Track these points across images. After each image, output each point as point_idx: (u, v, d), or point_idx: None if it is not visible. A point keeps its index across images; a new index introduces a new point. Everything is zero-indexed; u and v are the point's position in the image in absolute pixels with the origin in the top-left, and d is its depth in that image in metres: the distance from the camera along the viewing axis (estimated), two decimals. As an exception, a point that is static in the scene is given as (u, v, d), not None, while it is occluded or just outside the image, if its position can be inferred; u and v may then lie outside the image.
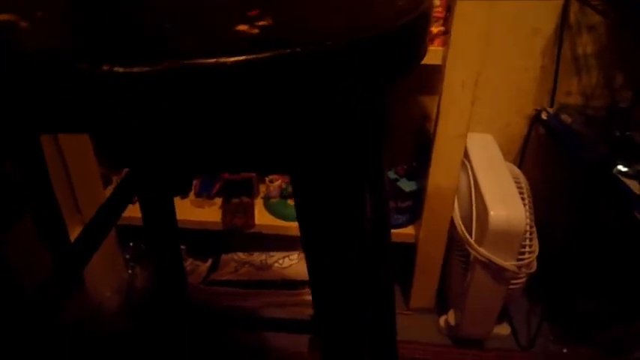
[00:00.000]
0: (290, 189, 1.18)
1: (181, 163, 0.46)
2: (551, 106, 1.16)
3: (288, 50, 0.25)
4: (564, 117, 1.09)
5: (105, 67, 0.23)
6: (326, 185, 0.36)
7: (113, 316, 1.21)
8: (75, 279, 0.69)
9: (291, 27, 0.30)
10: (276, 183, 1.17)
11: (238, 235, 1.17)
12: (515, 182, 1.02)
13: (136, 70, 0.24)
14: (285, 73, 0.26)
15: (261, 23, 0.30)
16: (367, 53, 0.29)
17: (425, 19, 0.34)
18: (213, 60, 0.24)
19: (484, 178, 0.99)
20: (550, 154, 1.20)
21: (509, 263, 0.94)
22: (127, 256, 1.25)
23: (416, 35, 0.33)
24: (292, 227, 1.13)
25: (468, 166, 1.02)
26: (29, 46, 0.28)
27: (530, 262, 0.97)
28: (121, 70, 0.23)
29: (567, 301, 1.20)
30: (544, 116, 1.13)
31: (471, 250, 0.96)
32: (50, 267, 0.82)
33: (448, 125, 0.92)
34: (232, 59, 0.25)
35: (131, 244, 1.26)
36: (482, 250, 0.94)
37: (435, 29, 0.88)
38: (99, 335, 1.15)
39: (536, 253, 0.98)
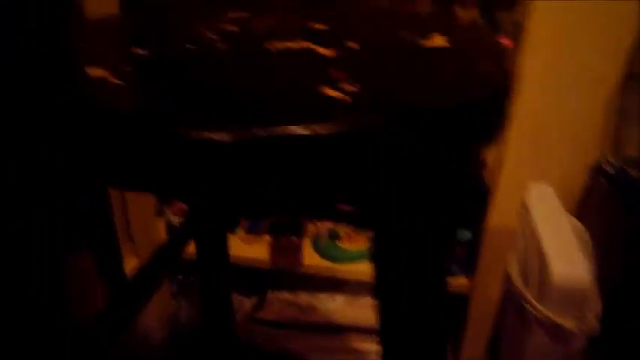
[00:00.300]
0: (338, 229, 1.17)
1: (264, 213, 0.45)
2: (614, 157, 1.11)
3: (389, 121, 0.25)
4: (629, 169, 1.04)
5: (200, 134, 0.24)
6: (411, 243, 0.35)
7: (157, 347, 1.21)
8: (132, 318, 0.70)
9: (379, 93, 0.30)
10: (326, 223, 1.16)
11: (285, 274, 1.16)
12: (577, 237, 0.97)
13: (230, 137, 0.24)
14: (384, 141, 0.25)
15: (348, 88, 0.30)
16: (459, 121, 0.28)
17: (509, 85, 0.33)
18: (310, 130, 0.24)
19: (545, 230, 0.95)
20: (611, 206, 1.14)
21: (571, 324, 0.89)
22: (175, 289, 1.26)
23: (502, 104, 0.32)
24: (339, 269, 1.11)
25: (527, 218, 0.98)
26: (124, 106, 0.29)
27: (593, 323, 0.92)
28: (216, 137, 0.23)
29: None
30: (606, 168, 1.08)
31: (528, 307, 0.92)
32: (102, 297, 0.84)
33: (508, 175, 0.90)
34: (328, 130, 0.24)
35: (180, 277, 1.27)
36: (540, 307, 0.89)
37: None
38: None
39: (599, 313, 0.93)
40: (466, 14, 0.93)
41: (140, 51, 0.37)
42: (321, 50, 0.38)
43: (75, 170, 0.28)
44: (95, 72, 0.32)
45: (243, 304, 1.24)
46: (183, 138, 0.24)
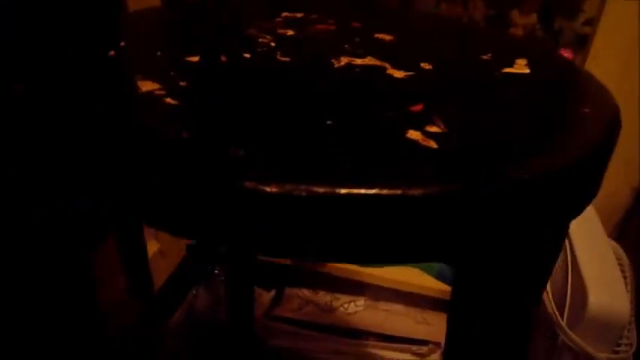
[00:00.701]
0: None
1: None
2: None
3: (485, 184, 0.21)
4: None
5: (276, 188, 0.20)
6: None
7: (173, 334, 1.20)
8: (160, 328, 0.68)
9: (468, 140, 0.26)
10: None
11: (306, 269, 1.13)
12: (617, 261, 0.93)
13: (304, 193, 0.20)
14: (476, 204, 0.22)
15: (432, 129, 0.26)
16: (562, 185, 0.24)
17: (616, 131, 0.29)
18: (400, 191, 0.20)
19: (584, 255, 0.90)
20: (654, 231, 1.09)
21: (603, 355, 0.85)
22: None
23: (608, 154, 0.28)
24: (362, 272, 1.08)
25: (567, 241, 0.94)
26: (177, 135, 0.25)
27: (627, 357, 0.88)
28: (298, 193, 0.20)
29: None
30: (654, 192, 1.03)
31: (560, 334, 0.88)
32: (124, 290, 0.82)
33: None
34: (419, 192, 0.21)
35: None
36: (574, 336, 0.85)
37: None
38: (158, 351, 1.15)
39: (635, 347, 0.88)
40: (523, 20, 0.87)
41: (191, 59, 0.34)
42: (393, 71, 0.34)
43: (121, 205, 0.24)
44: (145, 85, 0.29)
45: (262, 297, 1.21)
46: (257, 190, 0.20)
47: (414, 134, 0.25)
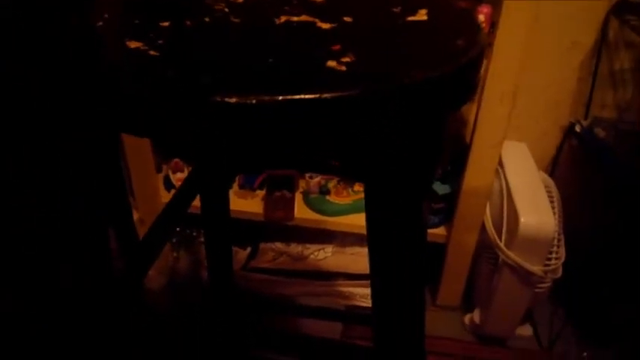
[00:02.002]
0: (328, 185, 1.25)
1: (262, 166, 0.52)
2: (586, 118, 1.20)
3: (374, 88, 0.32)
4: (597, 130, 1.13)
5: (234, 99, 0.30)
6: (396, 195, 0.42)
7: (157, 295, 1.30)
8: (144, 272, 0.77)
9: (370, 64, 0.37)
10: (316, 179, 1.24)
11: (277, 226, 1.24)
12: (547, 191, 1.06)
13: (254, 101, 0.31)
14: (371, 106, 0.33)
15: (345, 59, 0.37)
16: (436, 89, 0.35)
17: (481, 56, 0.40)
18: (317, 95, 0.31)
19: (517, 185, 1.04)
20: (582, 165, 1.23)
21: (536, 268, 0.99)
22: (174, 240, 1.34)
23: (475, 71, 0.39)
24: (329, 221, 1.19)
25: (502, 173, 1.07)
26: (163, 75, 0.35)
27: (557, 268, 1.02)
28: (250, 101, 0.30)
29: (590, 307, 1.24)
30: (578, 129, 1.17)
31: (500, 254, 1.01)
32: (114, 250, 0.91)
33: (485, 134, 0.97)
34: (331, 95, 0.31)
35: (177, 228, 1.35)
36: (511, 254, 0.99)
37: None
38: (142, 310, 1.25)
39: (563, 259, 1.03)
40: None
41: (165, 24, 0.43)
42: (321, 24, 0.44)
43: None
44: (132, 44, 0.38)
45: (238, 254, 1.32)
46: (219, 103, 0.30)
47: (331, 63, 0.36)
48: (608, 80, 1.18)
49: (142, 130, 0.35)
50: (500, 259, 1.02)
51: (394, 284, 0.52)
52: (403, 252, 0.50)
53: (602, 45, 1.14)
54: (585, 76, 1.19)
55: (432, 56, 0.39)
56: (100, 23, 0.43)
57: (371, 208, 0.44)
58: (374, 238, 0.46)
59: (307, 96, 0.31)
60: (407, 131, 0.36)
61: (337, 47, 0.39)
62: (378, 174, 0.43)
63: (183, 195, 0.84)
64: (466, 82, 0.39)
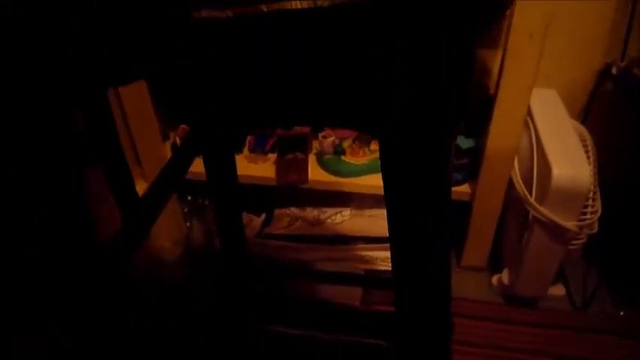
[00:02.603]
0: (343, 144, 1.18)
1: (261, 118, 0.46)
2: (622, 60, 1.09)
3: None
4: (636, 71, 1.02)
5: (207, 13, 0.24)
6: (415, 141, 0.35)
7: (172, 265, 1.27)
8: (145, 233, 0.73)
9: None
10: (330, 139, 1.17)
11: (291, 190, 1.18)
12: (581, 140, 0.98)
13: (230, 14, 0.24)
14: (375, 18, 0.25)
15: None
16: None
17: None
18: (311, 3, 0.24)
19: (547, 135, 0.95)
20: (618, 110, 1.14)
21: (570, 223, 0.92)
22: (186, 210, 1.30)
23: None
24: (345, 183, 1.13)
25: (530, 123, 0.98)
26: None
27: (592, 223, 0.95)
28: (225, 14, 0.23)
29: (626, 264, 1.16)
30: (614, 71, 1.07)
31: (530, 209, 0.94)
32: (118, 219, 0.86)
33: (513, 79, 0.89)
34: (327, 3, 0.24)
35: (189, 198, 1.30)
36: (542, 209, 0.92)
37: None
38: (159, 283, 1.22)
39: (599, 213, 0.95)
40: None
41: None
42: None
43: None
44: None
45: (253, 221, 1.27)
46: (194, 18, 0.24)
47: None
48: (647, 18, 1.07)
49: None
50: (530, 216, 0.95)
51: (416, 247, 0.45)
52: (425, 212, 0.43)
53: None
54: (621, 15, 1.08)
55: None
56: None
57: (386, 161, 0.37)
58: (391, 197, 0.39)
59: (300, 4, 0.24)
60: (424, 55, 0.28)
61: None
62: (392, 118, 0.36)
63: (185, 150, 0.78)
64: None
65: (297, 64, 0.28)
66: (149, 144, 1.16)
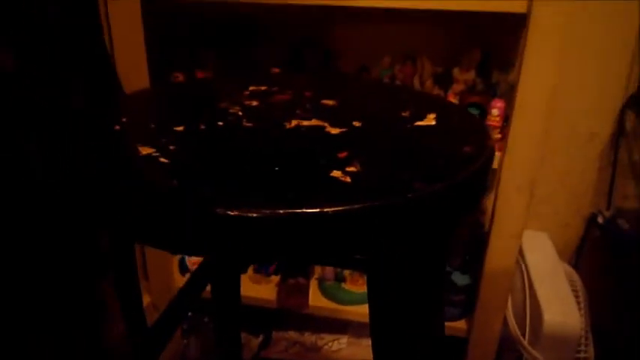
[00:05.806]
0: (344, 272, 1.22)
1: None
2: (608, 208, 1.17)
3: (377, 203, 0.32)
4: (621, 222, 1.10)
5: (235, 212, 0.30)
6: (402, 313, 0.41)
7: (166, 383, 1.25)
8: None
9: (375, 175, 0.37)
10: (331, 267, 1.22)
11: (291, 313, 1.21)
12: (571, 284, 1.02)
13: (256, 214, 0.31)
14: (376, 219, 0.32)
15: (350, 169, 0.37)
16: (441, 201, 0.35)
17: (489, 162, 0.40)
18: (318, 210, 0.31)
19: (539, 278, 1.00)
20: (607, 257, 1.19)
21: (563, 369, 0.93)
22: (185, 326, 1.31)
23: (483, 179, 0.39)
24: (344, 311, 1.16)
25: (523, 265, 1.04)
26: (169, 186, 0.35)
27: (586, 369, 0.96)
28: (251, 214, 0.30)
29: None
30: (600, 220, 1.14)
31: (523, 352, 0.96)
32: (121, 332, 0.89)
33: (503, 225, 0.95)
34: (332, 209, 0.31)
35: (190, 314, 1.32)
36: (535, 352, 0.94)
37: (493, 136, 0.94)
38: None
39: (591, 357, 0.97)
40: (464, 76, 1.01)
41: (179, 128, 0.45)
42: (330, 129, 0.45)
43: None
44: (144, 150, 0.39)
45: (250, 342, 1.28)
46: (225, 215, 0.30)
47: (336, 173, 0.36)
48: (629, 170, 1.17)
49: (151, 239, 0.35)
50: (524, 358, 0.97)
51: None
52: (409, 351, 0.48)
53: (619, 137, 1.14)
54: (605, 166, 1.18)
55: (438, 166, 0.39)
56: (117, 127, 0.45)
57: (375, 298, 0.42)
58: (377, 337, 0.44)
59: (308, 210, 0.31)
60: (409, 242, 0.35)
61: (344, 154, 0.40)
62: (380, 283, 0.41)
63: (196, 280, 0.83)
64: (472, 191, 0.38)
65: (301, 243, 0.34)
66: (158, 259, 1.21)
